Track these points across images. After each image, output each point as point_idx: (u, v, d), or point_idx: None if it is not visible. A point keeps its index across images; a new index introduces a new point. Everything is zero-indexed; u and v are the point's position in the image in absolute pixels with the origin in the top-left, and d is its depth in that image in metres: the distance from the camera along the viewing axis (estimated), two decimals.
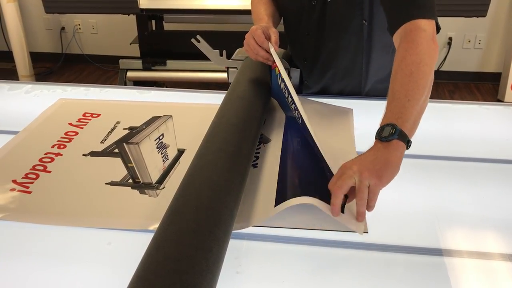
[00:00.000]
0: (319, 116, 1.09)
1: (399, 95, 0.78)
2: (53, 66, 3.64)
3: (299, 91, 1.26)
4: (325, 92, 1.25)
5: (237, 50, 1.23)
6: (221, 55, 1.21)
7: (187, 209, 0.66)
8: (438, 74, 3.27)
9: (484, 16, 2.23)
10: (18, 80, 3.16)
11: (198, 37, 1.18)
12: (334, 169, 0.76)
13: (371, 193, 0.70)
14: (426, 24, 0.87)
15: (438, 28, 0.90)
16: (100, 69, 3.60)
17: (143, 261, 0.59)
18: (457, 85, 3.30)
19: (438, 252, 0.72)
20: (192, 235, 0.62)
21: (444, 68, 3.28)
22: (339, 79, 1.22)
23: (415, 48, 0.83)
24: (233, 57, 1.22)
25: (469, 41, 3.20)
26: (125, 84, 2.54)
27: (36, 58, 3.47)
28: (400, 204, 0.82)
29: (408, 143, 0.75)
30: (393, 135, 0.74)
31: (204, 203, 0.67)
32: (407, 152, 0.96)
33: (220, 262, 0.62)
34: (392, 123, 0.75)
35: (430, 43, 0.85)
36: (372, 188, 0.70)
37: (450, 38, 3.19)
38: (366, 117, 1.09)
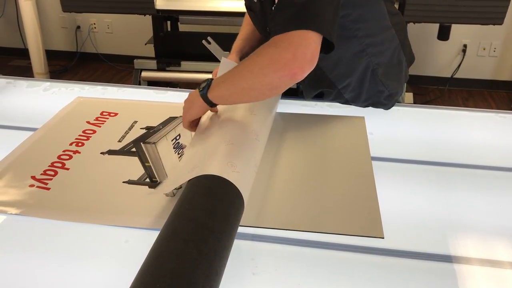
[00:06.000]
0: (332, 129, 1.08)
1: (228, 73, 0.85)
2: (68, 65, 3.67)
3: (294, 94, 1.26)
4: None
5: None
6: None
7: (183, 208, 0.69)
8: (452, 81, 3.26)
9: (501, 24, 2.20)
10: (33, 77, 3.20)
11: (209, 38, 1.19)
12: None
13: None
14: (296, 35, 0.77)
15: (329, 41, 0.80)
16: (114, 69, 3.63)
17: (142, 265, 0.61)
18: (471, 92, 3.28)
19: (452, 259, 0.71)
20: (185, 230, 0.64)
21: (458, 75, 3.26)
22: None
23: (261, 48, 0.81)
24: None
25: (484, 49, 3.18)
26: (139, 84, 2.55)
27: (51, 56, 3.50)
28: (415, 210, 0.82)
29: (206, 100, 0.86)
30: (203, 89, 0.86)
31: (198, 200, 0.70)
32: (422, 158, 0.96)
33: (219, 251, 0.63)
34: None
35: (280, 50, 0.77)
36: None
37: (465, 46, 3.16)
38: (377, 122, 1.10)
